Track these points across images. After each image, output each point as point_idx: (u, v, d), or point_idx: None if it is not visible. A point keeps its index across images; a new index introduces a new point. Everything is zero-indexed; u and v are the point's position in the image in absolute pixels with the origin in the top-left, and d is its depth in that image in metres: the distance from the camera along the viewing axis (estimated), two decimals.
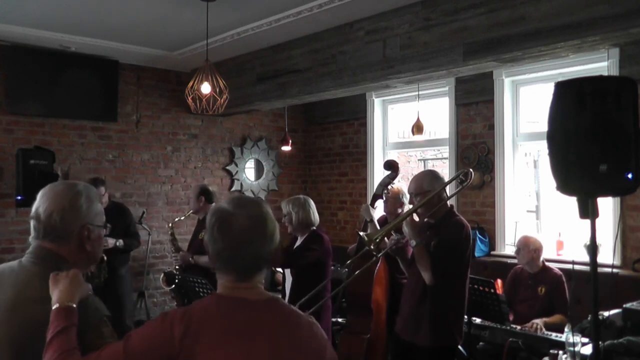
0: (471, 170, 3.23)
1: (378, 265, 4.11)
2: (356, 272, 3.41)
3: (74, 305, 1.51)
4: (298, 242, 3.94)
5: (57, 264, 1.65)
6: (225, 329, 1.43)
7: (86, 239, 1.71)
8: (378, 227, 4.28)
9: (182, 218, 5.43)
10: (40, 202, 1.71)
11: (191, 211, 5.03)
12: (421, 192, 3.14)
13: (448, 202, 3.21)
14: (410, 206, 3.26)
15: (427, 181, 3.17)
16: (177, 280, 4.36)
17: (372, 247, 3.10)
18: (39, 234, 1.69)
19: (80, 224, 1.69)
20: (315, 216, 3.98)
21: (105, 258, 5.43)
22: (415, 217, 3.14)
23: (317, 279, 3.68)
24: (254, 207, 1.55)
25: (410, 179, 3.56)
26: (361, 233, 3.28)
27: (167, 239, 6.49)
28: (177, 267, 4.82)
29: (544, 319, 4.05)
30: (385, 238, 3.43)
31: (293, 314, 1.55)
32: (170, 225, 5.12)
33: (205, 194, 4.84)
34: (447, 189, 3.25)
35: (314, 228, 3.93)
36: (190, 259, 4.69)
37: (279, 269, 5.84)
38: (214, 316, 1.45)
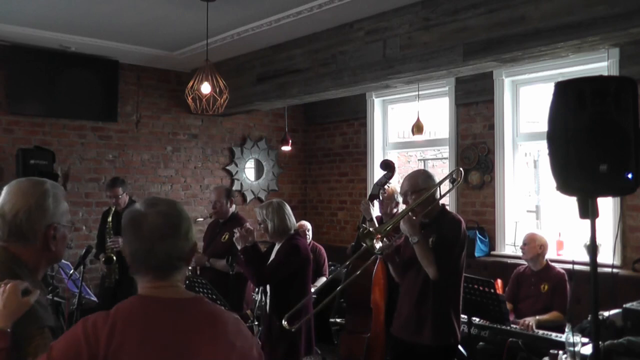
0: (461, 169, 3.25)
1: (376, 265, 4.11)
2: (353, 275, 3.40)
3: (8, 330, 1.48)
4: (275, 249, 3.80)
5: (12, 270, 1.62)
6: (150, 328, 1.41)
7: (51, 239, 1.69)
8: (377, 226, 4.28)
9: (202, 219, 5.00)
10: (6, 200, 1.68)
11: (212, 215, 4.62)
12: (416, 190, 3.15)
13: (441, 201, 3.23)
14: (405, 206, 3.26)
15: (421, 179, 3.18)
16: None
17: (380, 240, 3.08)
18: (3, 234, 1.67)
19: (47, 223, 1.68)
20: (292, 221, 3.77)
21: (115, 259, 5.43)
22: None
23: (295, 291, 3.61)
24: (166, 205, 1.53)
25: None
26: (365, 226, 3.25)
27: None
28: (189, 267, 4.58)
29: (538, 317, 4.06)
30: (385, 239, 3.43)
31: (218, 311, 1.53)
32: None
33: (232, 195, 4.60)
34: (440, 189, 3.26)
35: (292, 232, 3.76)
36: (206, 262, 4.45)
37: None
38: (138, 316, 1.43)
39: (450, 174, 3.22)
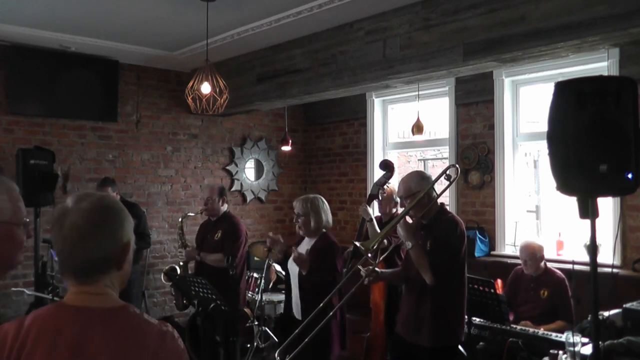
0: (457, 166, 3.23)
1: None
2: (354, 288, 3.36)
3: None
4: (307, 246, 3.77)
5: None
6: (62, 344, 1.29)
7: (7, 240, 1.54)
8: (377, 227, 4.29)
9: (193, 214, 5.25)
10: None
11: (202, 211, 4.77)
12: (410, 194, 3.14)
13: (439, 201, 3.23)
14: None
15: (414, 182, 3.18)
16: (176, 278, 4.38)
17: (369, 255, 3.11)
18: None
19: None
20: (329, 217, 3.83)
21: None
22: (409, 220, 3.14)
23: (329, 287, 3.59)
24: (91, 201, 1.38)
25: None
26: (357, 243, 3.26)
27: (167, 239, 6.51)
28: (181, 262, 4.78)
29: (542, 328, 4.00)
30: (384, 240, 3.43)
31: (142, 324, 1.38)
32: (180, 219, 4.98)
33: (225, 194, 4.72)
34: (436, 187, 3.25)
35: (324, 231, 3.78)
36: (197, 256, 4.60)
37: (277, 266, 5.75)
38: (50, 327, 1.31)
39: (444, 172, 3.19)
